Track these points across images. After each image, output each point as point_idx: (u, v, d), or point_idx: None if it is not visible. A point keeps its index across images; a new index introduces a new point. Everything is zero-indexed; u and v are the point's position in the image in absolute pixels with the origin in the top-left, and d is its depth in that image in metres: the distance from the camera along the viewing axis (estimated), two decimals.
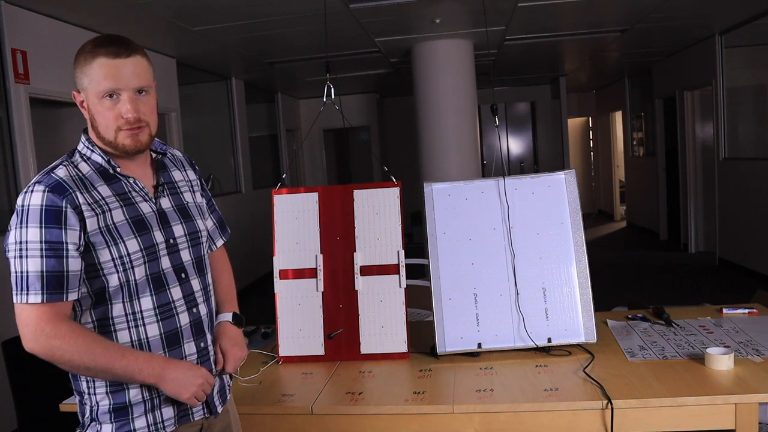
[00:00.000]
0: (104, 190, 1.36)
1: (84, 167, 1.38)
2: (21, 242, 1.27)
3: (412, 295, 2.47)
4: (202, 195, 1.62)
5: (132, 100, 1.35)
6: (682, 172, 8.13)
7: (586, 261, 2.28)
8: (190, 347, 1.44)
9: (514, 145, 10.75)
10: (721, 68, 6.75)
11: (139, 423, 1.38)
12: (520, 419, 1.84)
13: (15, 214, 1.30)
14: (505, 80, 10.24)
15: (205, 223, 1.58)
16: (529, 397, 1.86)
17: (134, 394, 1.37)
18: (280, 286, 2.38)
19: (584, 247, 2.28)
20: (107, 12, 4.42)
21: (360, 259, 2.34)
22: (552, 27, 6.15)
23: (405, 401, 1.90)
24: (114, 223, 1.34)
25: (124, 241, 1.34)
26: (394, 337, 2.30)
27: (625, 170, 11.12)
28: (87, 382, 1.37)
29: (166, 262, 1.42)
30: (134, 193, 1.41)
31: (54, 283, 1.27)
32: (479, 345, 2.24)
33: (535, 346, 2.21)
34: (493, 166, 10.30)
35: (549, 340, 2.22)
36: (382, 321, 2.31)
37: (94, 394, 1.37)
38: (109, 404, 1.36)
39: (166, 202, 1.47)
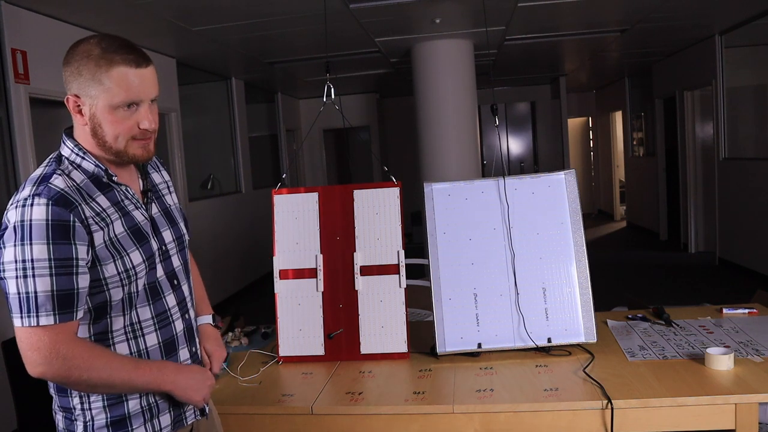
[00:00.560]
0: (102, 201, 1.30)
1: (77, 176, 1.29)
2: (24, 261, 1.17)
3: (412, 295, 2.47)
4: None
5: (150, 110, 1.32)
6: (682, 172, 8.13)
7: (586, 261, 2.28)
8: (184, 353, 1.45)
9: (514, 145, 10.75)
10: (721, 68, 6.75)
11: None
12: (520, 419, 1.84)
13: (10, 230, 1.20)
14: (505, 80, 10.24)
15: (187, 226, 1.56)
16: (529, 397, 1.86)
17: (133, 405, 1.34)
18: (280, 286, 2.38)
19: (584, 247, 2.28)
20: (107, 12, 4.42)
21: (360, 259, 2.34)
22: (552, 27, 6.15)
23: (405, 401, 1.90)
24: (116, 236, 1.29)
25: (128, 254, 1.30)
26: (394, 337, 2.30)
27: (625, 170, 11.12)
28: (81, 396, 1.31)
29: (160, 270, 1.40)
30: (127, 201, 1.36)
31: (66, 302, 1.20)
32: (479, 345, 2.24)
33: (535, 346, 2.21)
34: (493, 166, 10.29)
35: (549, 340, 2.22)
36: (382, 321, 2.31)
37: (89, 409, 1.31)
38: (106, 418, 1.32)
39: (154, 208, 1.44)
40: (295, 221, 2.40)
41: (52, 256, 1.18)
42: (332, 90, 2.94)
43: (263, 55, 6.62)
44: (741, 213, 6.60)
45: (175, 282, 1.44)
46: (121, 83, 1.26)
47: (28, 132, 4.03)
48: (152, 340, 1.37)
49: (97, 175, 1.32)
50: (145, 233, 1.37)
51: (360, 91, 10.22)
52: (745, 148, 6.78)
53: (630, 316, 2.56)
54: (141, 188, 1.43)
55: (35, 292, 1.18)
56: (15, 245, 1.18)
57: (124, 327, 1.33)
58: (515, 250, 2.30)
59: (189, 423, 1.47)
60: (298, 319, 2.35)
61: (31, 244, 1.17)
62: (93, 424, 1.32)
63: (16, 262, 1.18)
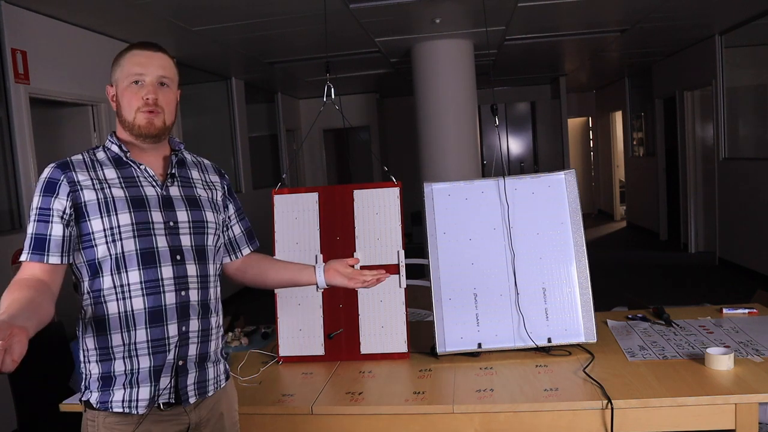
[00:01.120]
0: (110, 172, 1.50)
1: (101, 155, 1.54)
2: (31, 208, 1.46)
3: (412, 295, 2.47)
4: (227, 200, 1.72)
5: (153, 85, 1.52)
6: (682, 172, 8.13)
7: (586, 261, 2.28)
8: (173, 328, 1.48)
9: (514, 145, 10.74)
10: (721, 68, 6.75)
11: (118, 395, 1.45)
12: (520, 419, 1.84)
13: None
14: (505, 80, 10.24)
15: (217, 218, 1.64)
16: (529, 397, 1.86)
17: (118, 365, 1.46)
18: None
19: (584, 247, 2.28)
20: (107, 12, 4.43)
21: (360, 259, 2.34)
22: (552, 27, 6.15)
23: (405, 401, 1.90)
24: (112, 198, 1.46)
25: (117, 214, 1.45)
26: (394, 337, 2.30)
27: (625, 170, 11.12)
28: (83, 351, 1.49)
29: (162, 242, 1.49)
30: (142, 179, 1.53)
31: (39, 245, 1.42)
32: (479, 345, 2.24)
33: (535, 346, 2.21)
34: (493, 166, 10.29)
35: (549, 340, 2.22)
36: (382, 321, 2.31)
37: (88, 362, 1.49)
38: (99, 373, 1.47)
39: (175, 191, 1.56)
40: (295, 221, 2.40)
41: (38, 206, 1.44)
42: (332, 90, 2.94)
43: (263, 55, 6.62)
44: (741, 213, 6.60)
45: (179, 257, 1.50)
46: (131, 60, 1.53)
47: (28, 132, 4.03)
48: (138, 304, 1.45)
49: (118, 154, 1.54)
50: (147, 204, 1.50)
51: (360, 91, 10.22)
52: (745, 148, 6.78)
53: (630, 316, 2.56)
54: (168, 172, 1.58)
55: (27, 233, 1.45)
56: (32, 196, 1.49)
57: (114, 287, 1.45)
58: (515, 250, 2.30)
59: (165, 409, 1.48)
60: (298, 319, 2.35)
61: (34, 195, 1.46)
62: (90, 377, 1.49)
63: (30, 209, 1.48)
